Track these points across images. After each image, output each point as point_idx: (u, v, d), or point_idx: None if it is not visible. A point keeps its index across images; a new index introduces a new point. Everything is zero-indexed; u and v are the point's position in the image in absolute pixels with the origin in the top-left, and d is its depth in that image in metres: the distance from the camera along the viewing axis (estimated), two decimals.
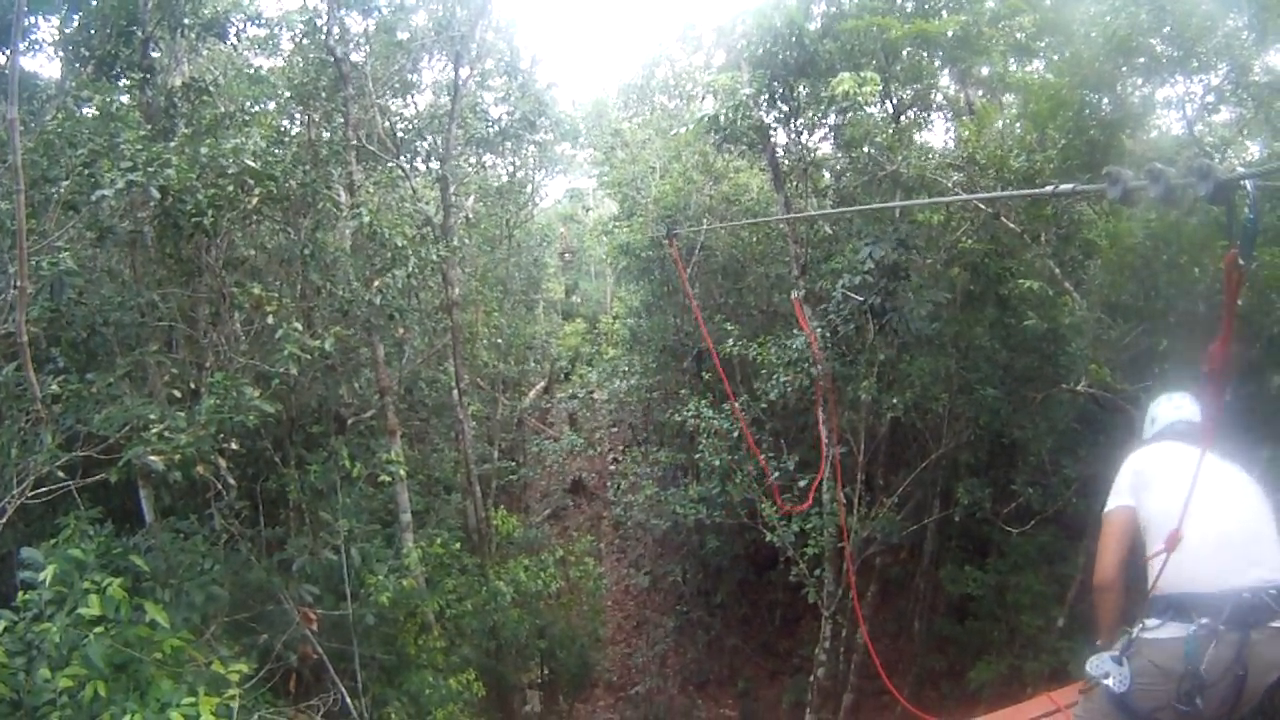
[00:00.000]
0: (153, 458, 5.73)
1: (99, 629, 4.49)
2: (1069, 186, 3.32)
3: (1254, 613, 2.73)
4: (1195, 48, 8.91)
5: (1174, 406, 3.65)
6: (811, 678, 12.96)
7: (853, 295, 11.05)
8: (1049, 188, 3.46)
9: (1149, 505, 3.11)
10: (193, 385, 7.64)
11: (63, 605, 4.54)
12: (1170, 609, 2.85)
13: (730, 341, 12.68)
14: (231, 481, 7.44)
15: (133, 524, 6.86)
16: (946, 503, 12.81)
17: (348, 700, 7.26)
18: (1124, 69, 9.42)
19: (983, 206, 10.30)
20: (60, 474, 5.57)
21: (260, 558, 7.67)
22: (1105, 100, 9.63)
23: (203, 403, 6.51)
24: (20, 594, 4.66)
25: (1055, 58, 11.32)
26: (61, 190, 6.37)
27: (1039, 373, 10.83)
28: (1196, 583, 2.81)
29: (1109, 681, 2.97)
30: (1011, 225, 10.45)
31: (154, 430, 5.85)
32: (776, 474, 12.54)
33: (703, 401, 13.45)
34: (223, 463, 6.89)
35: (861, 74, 9.80)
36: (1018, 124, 11.40)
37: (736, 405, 11.81)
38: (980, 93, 13.65)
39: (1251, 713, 2.95)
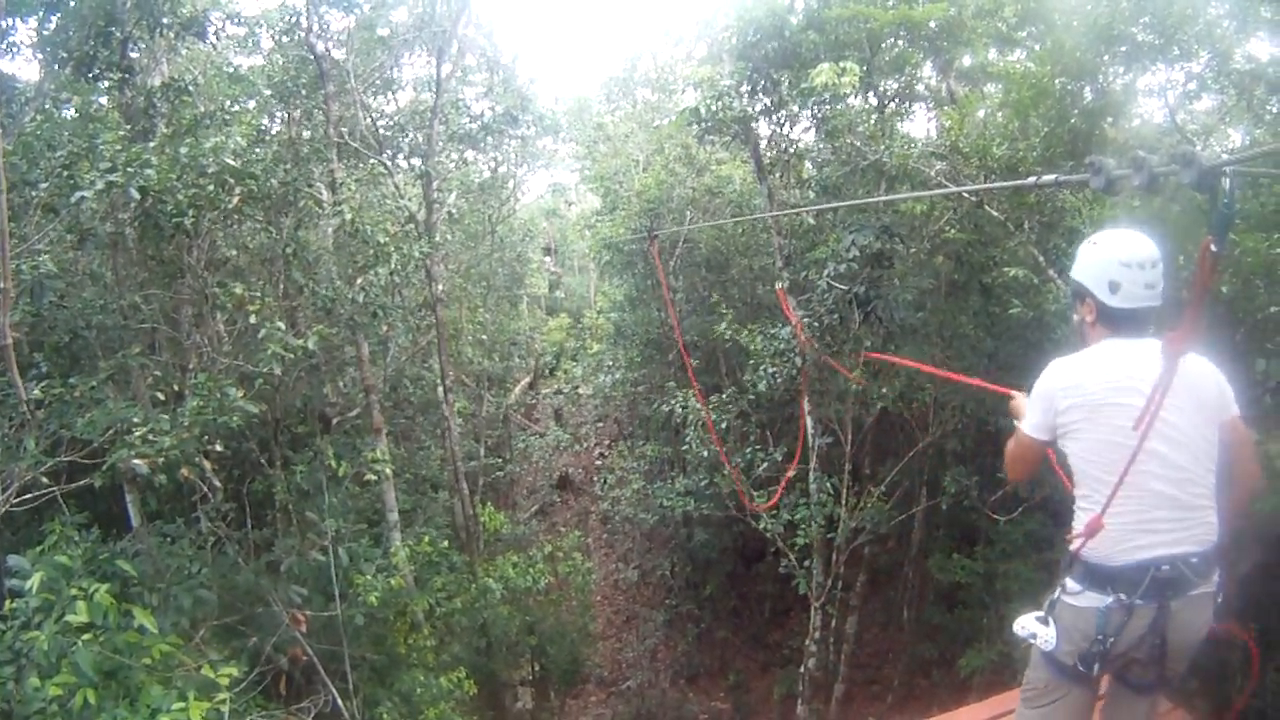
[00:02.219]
0: (137, 461, 5.68)
1: (87, 636, 4.45)
2: (1052, 177, 3.35)
3: (1172, 585, 2.74)
4: (1176, 35, 8.94)
5: (1134, 263, 2.90)
6: (802, 669, 12.98)
7: (836, 285, 11.07)
8: (1032, 178, 3.42)
9: (1074, 453, 2.94)
10: (176, 387, 7.59)
11: (50, 613, 4.49)
12: (1088, 577, 2.86)
13: (722, 326, 12.64)
14: (217, 484, 7.42)
15: (119, 529, 6.81)
16: (934, 491, 12.85)
17: (339, 701, 7.22)
18: (1105, 57, 9.44)
19: (966, 195, 10.32)
20: (45, 480, 5.51)
21: (248, 560, 7.64)
22: (1087, 89, 9.65)
23: (187, 405, 6.46)
24: (7, 602, 4.61)
25: (1037, 47, 11.35)
26: (41, 193, 6.30)
27: (1024, 360, 10.84)
28: (1115, 555, 2.78)
29: (1037, 641, 3.00)
30: (995, 214, 10.46)
31: (138, 433, 5.80)
32: (764, 465, 12.58)
33: (689, 394, 13.46)
34: (208, 465, 6.86)
35: (841, 64, 9.80)
36: (1000, 113, 11.40)
37: (699, 391, 11.85)
38: (962, 83, 13.68)
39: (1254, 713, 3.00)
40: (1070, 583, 2.93)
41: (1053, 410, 2.94)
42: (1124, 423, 2.68)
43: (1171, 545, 2.74)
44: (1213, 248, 2.29)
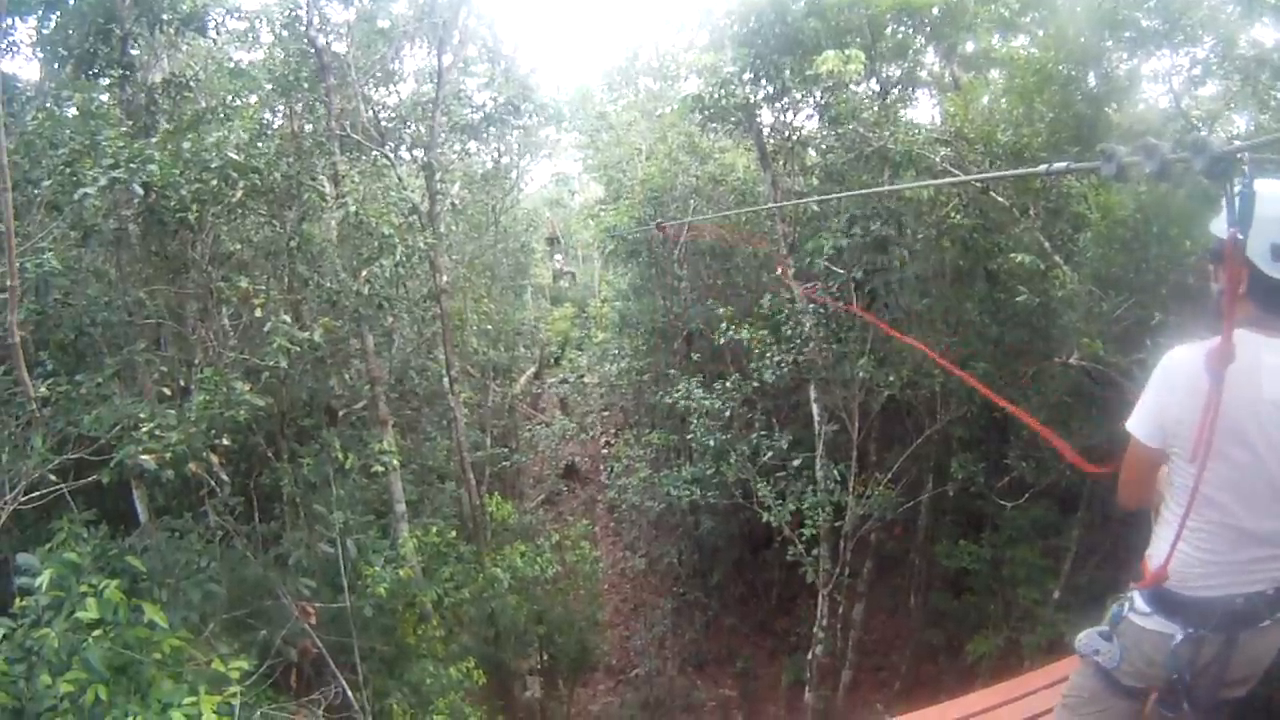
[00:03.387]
0: (145, 457, 5.69)
1: (98, 632, 4.48)
2: (1064, 165, 3.21)
3: (1245, 618, 2.52)
4: (1181, 21, 8.90)
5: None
6: (810, 655, 13.03)
7: (834, 267, 11.07)
8: (1044, 166, 3.28)
9: (1172, 470, 2.52)
10: (182, 382, 7.60)
11: (60, 610, 4.51)
12: (1157, 601, 2.62)
13: (723, 325, 12.63)
14: (224, 478, 7.44)
15: (127, 525, 6.83)
16: (940, 478, 12.83)
17: (349, 693, 7.25)
18: (1110, 43, 9.42)
19: (973, 182, 10.29)
20: (53, 477, 5.53)
21: (256, 553, 7.65)
22: (1091, 74, 9.63)
23: (193, 399, 6.47)
24: (17, 600, 4.63)
25: (1040, 33, 11.31)
26: (44, 191, 6.30)
27: (1030, 347, 10.83)
28: (1190, 585, 2.53)
29: (1099, 659, 2.82)
30: (1000, 200, 10.44)
31: (145, 429, 5.81)
32: (770, 453, 12.59)
33: (694, 382, 13.46)
34: (215, 459, 6.86)
35: (846, 51, 9.78)
36: (1004, 99, 11.36)
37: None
38: (966, 69, 13.62)
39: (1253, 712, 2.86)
40: (1139, 602, 2.70)
41: (1162, 415, 2.46)
42: (1232, 450, 2.28)
43: (1247, 585, 2.48)
44: (1239, 236, 2.11)
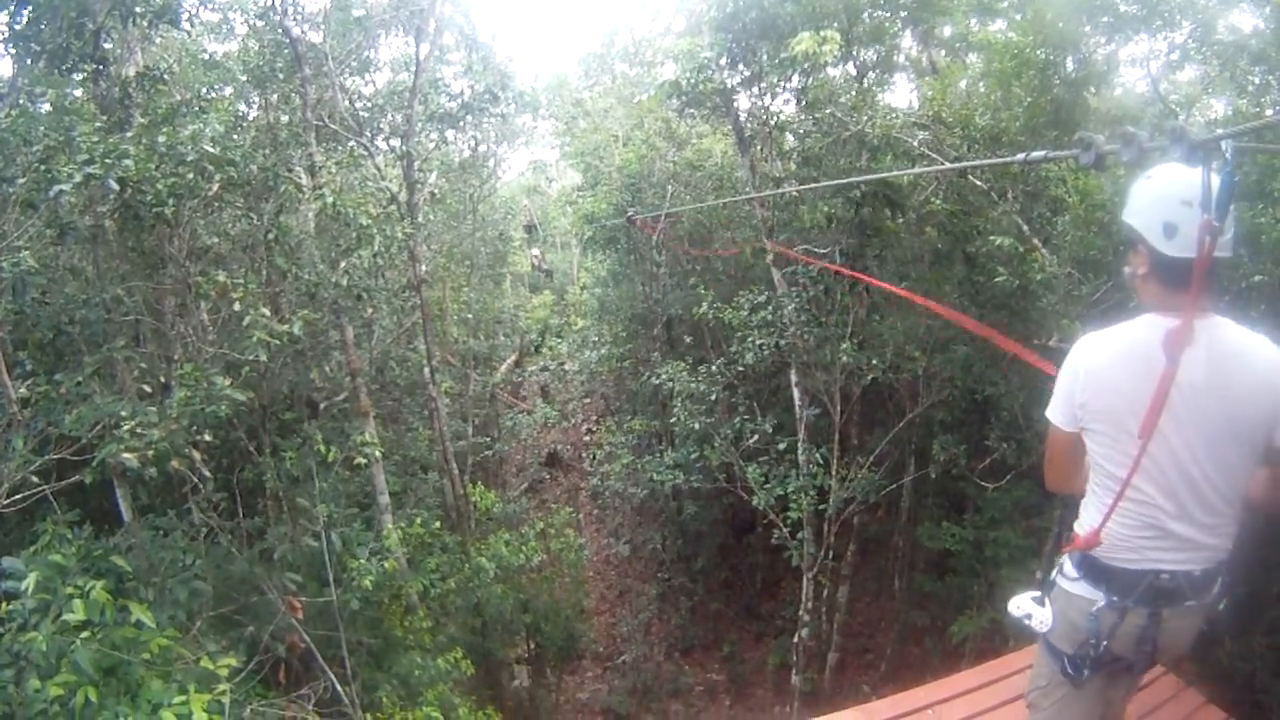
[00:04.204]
0: (127, 455, 5.63)
1: (85, 634, 4.43)
2: (1041, 154, 3.25)
3: (1168, 595, 2.57)
4: (1159, 6, 8.97)
5: (1197, 202, 2.21)
6: (795, 639, 13.12)
7: (814, 250, 11.11)
8: (1020, 155, 3.28)
9: (1091, 446, 2.62)
10: (162, 379, 7.52)
11: (47, 613, 4.47)
12: (1084, 567, 2.69)
13: (704, 306, 12.64)
14: (207, 474, 7.38)
15: (111, 525, 6.75)
16: (922, 460, 12.94)
17: (338, 687, 7.24)
18: (1088, 28, 9.47)
19: (950, 166, 10.33)
20: (35, 479, 5.47)
21: (241, 549, 7.60)
22: (1069, 59, 9.68)
23: (174, 396, 6.40)
24: (3, 605, 4.58)
25: (1018, 17, 11.35)
26: (18, 189, 6.21)
27: (1010, 329, 10.88)
28: (1115, 558, 2.60)
29: (1032, 623, 2.87)
30: (979, 183, 10.49)
31: (126, 427, 5.74)
32: (754, 437, 12.64)
33: (679, 366, 13.49)
34: (197, 455, 6.78)
35: (822, 33, 9.77)
36: (982, 83, 11.42)
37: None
38: (943, 53, 13.66)
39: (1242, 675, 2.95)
40: (1068, 566, 2.78)
41: (1073, 400, 2.58)
42: (1135, 428, 2.38)
43: (1176, 563, 2.54)
44: (1215, 223, 2.15)
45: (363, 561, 8.10)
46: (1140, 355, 2.40)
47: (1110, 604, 2.61)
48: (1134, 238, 2.51)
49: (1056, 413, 2.66)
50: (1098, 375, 2.52)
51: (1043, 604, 2.86)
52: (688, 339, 16.08)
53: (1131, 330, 2.49)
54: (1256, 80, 9.40)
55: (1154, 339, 2.37)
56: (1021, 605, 2.92)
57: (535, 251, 31.09)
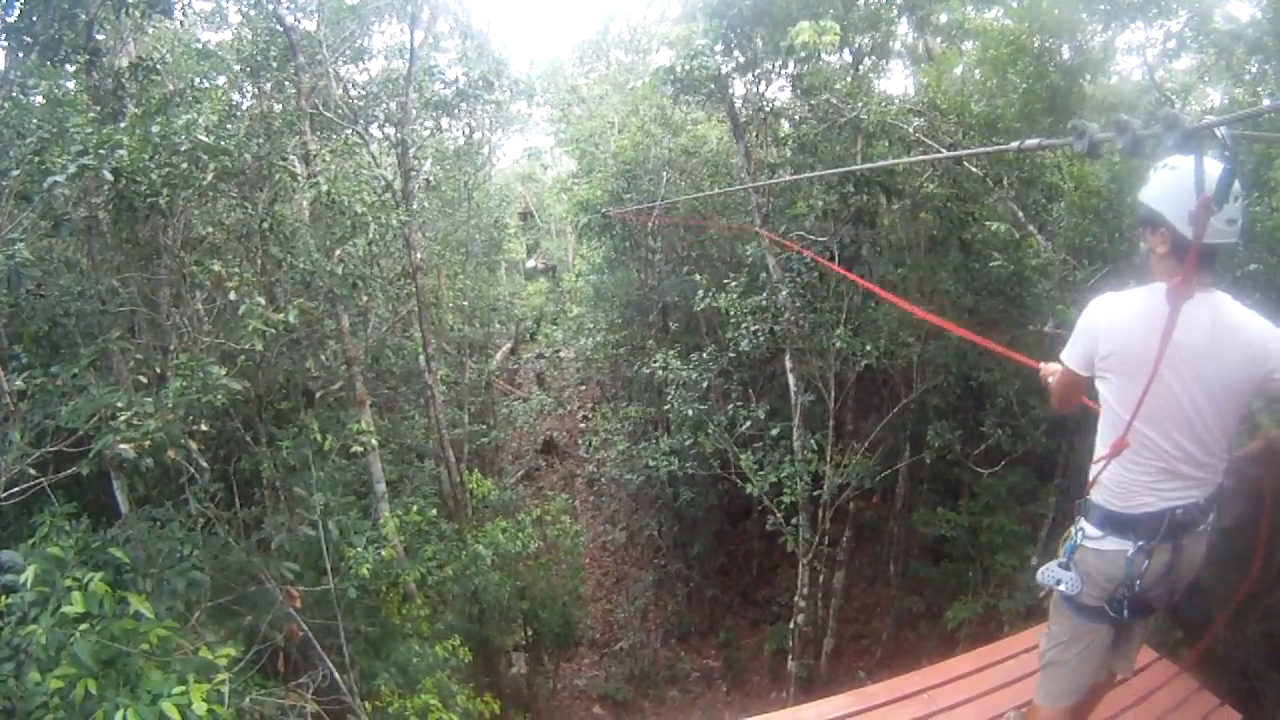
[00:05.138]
0: (124, 446, 5.63)
1: (84, 626, 4.43)
2: (1035, 141, 3.38)
3: (1184, 526, 2.91)
4: None
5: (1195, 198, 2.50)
6: (791, 625, 13.18)
7: (809, 237, 11.11)
8: (1015, 143, 3.40)
9: (1104, 390, 2.97)
10: (158, 369, 7.51)
11: (46, 605, 4.47)
12: (1109, 524, 2.99)
13: (699, 294, 12.62)
14: (204, 464, 7.37)
15: (108, 517, 6.75)
16: (917, 446, 12.95)
17: (336, 676, 7.25)
18: (1084, 15, 9.46)
19: (943, 150, 10.32)
20: (32, 471, 5.47)
21: (238, 539, 7.60)
22: (1065, 46, 9.67)
23: (170, 386, 6.40)
24: (2, 598, 4.58)
25: (1014, 4, 11.31)
26: (12, 181, 6.19)
27: (1005, 315, 10.92)
28: (1136, 504, 2.92)
29: (1062, 587, 3.15)
30: (974, 169, 10.48)
31: (123, 418, 5.74)
32: (747, 423, 12.66)
33: (671, 353, 13.49)
34: (194, 446, 6.80)
35: (821, 23, 9.74)
36: (978, 70, 11.40)
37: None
38: (939, 40, 13.62)
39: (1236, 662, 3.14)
40: (1090, 528, 3.06)
41: (1093, 349, 2.91)
42: (1144, 375, 2.73)
43: (1184, 498, 2.88)
44: (1212, 206, 2.42)
45: (360, 550, 8.09)
46: (1154, 313, 2.71)
47: (1139, 548, 2.93)
48: (1156, 220, 2.81)
49: (1073, 358, 3.04)
50: (1116, 329, 2.85)
51: (1069, 568, 3.14)
52: (684, 325, 16.05)
53: (1145, 293, 2.82)
54: (1253, 69, 9.41)
55: (1163, 300, 2.71)
56: (1049, 572, 3.21)
57: (533, 261, 30.93)
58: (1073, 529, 3.18)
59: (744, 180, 13.21)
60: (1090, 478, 3.06)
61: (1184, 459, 2.82)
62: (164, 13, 8.33)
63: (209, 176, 7.29)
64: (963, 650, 6.24)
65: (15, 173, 6.18)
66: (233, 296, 7.12)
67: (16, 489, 5.40)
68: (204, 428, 6.72)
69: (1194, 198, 2.52)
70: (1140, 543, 2.91)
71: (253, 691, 5.77)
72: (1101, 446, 2.99)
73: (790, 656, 13.34)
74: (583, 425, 24.00)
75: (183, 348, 7.56)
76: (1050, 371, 3.45)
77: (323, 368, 10.57)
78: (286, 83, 10.87)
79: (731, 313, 12.18)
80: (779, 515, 12.24)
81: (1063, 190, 9.45)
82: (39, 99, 7.30)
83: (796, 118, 12.79)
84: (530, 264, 30.76)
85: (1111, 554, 2.99)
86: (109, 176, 6.26)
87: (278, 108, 11.09)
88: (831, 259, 11.40)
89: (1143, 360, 2.70)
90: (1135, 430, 2.81)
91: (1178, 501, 2.87)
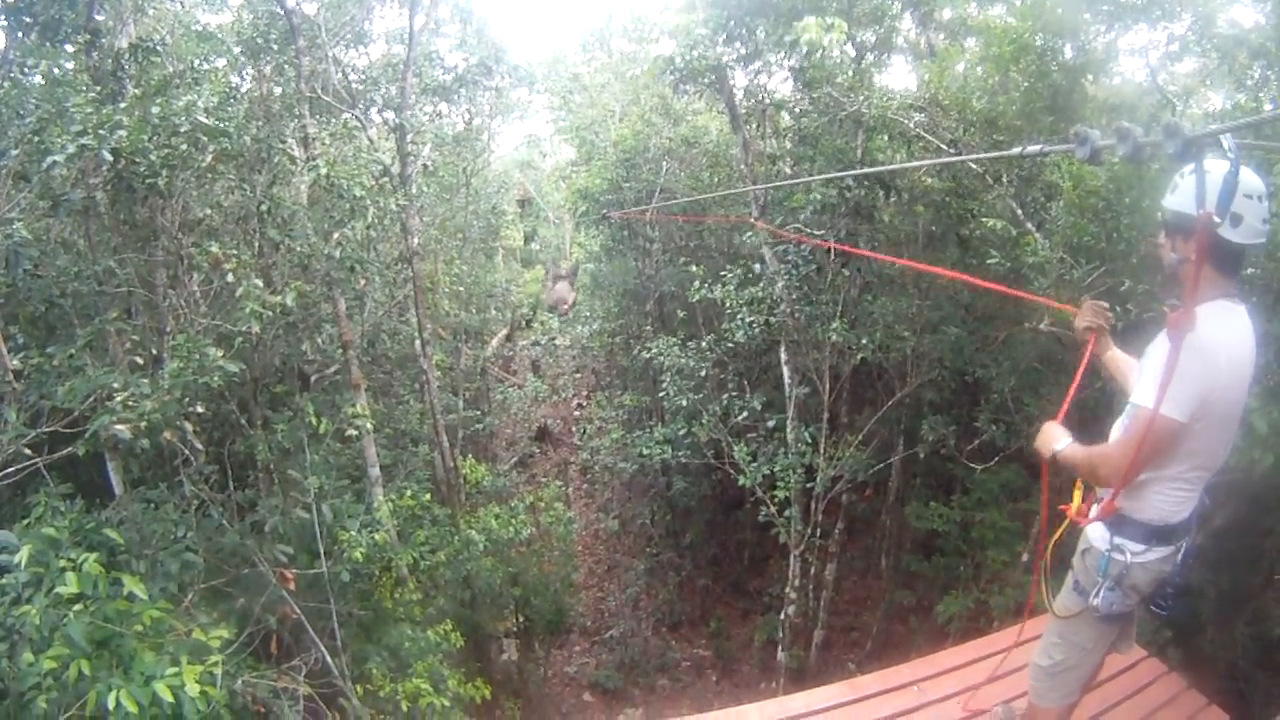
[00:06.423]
0: (119, 427, 5.64)
1: (78, 607, 4.45)
2: (1037, 148, 3.36)
3: (1191, 527, 3.13)
4: None
5: (1255, 194, 2.64)
6: (782, 615, 13.23)
7: (806, 230, 11.10)
8: (1016, 149, 3.37)
9: (1202, 438, 2.80)
10: (155, 351, 7.50)
11: (40, 586, 4.49)
12: (1154, 536, 3.03)
13: (695, 284, 12.61)
14: (199, 446, 7.37)
15: (103, 498, 6.76)
16: (911, 440, 12.99)
17: (328, 659, 7.28)
18: (1087, 15, 9.46)
19: (943, 146, 10.32)
20: (28, 451, 5.48)
21: (232, 521, 7.60)
22: (1068, 46, 9.67)
23: (166, 367, 6.41)
24: None
25: (1018, 2, 11.30)
26: (11, 160, 6.17)
27: (1001, 312, 10.96)
28: (1182, 511, 3.00)
29: (1097, 602, 3.17)
30: (973, 166, 10.48)
31: (119, 399, 5.75)
32: (743, 414, 12.69)
33: (670, 341, 13.50)
34: (189, 427, 6.80)
35: (827, 20, 9.71)
36: (980, 67, 11.37)
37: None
38: (941, 36, 13.60)
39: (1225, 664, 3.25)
40: (1133, 545, 3.07)
41: (1210, 388, 2.68)
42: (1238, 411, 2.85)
43: (1195, 503, 3.07)
44: (1215, 219, 2.43)
45: (353, 534, 8.10)
46: (1249, 332, 2.78)
47: (1178, 549, 3.09)
48: (1187, 226, 2.72)
49: (1183, 408, 2.68)
50: (1236, 360, 2.76)
51: (1114, 589, 3.14)
52: (680, 315, 16.05)
53: (1233, 320, 2.76)
54: (1256, 74, 9.41)
55: (1247, 317, 2.77)
56: (1073, 601, 3.37)
57: (560, 294, 29.73)
58: (1100, 549, 3.13)
59: (743, 171, 13.20)
60: (1121, 500, 3.01)
61: (1212, 476, 2.99)
62: None
63: (208, 158, 7.28)
64: (952, 644, 6.29)
65: (14, 152, 6.17)
66: (230, 279, 7.11)
67: (12, 469, 5.40)
68: (199, 409, 6.70)
69: (1237, 200, 2.55)
70: (1183, 543, 3.08)
71: (245, 673, 5.80)
72: (1168, 492, 2.98)
73: (780, 647, 13.39)
74: (577, 413, 24.02)
75: (179, 329, 7.56)
76: (1049, 436, 3.23)
77: (319, 351, 10.55)
78: (286, 66, 10.82)
79: (727, 304, 12.18)
80: (771, 506, 12.27)
81: (1061, 189, 9.45)
82: (38, 79, 7.27)
83: (797, 110, 12.76)
84: (558, 293, 29.86)
85: (1156, 562, 3.08)
86: (108, 157, 6.25)
87: (277, 90, 11.05)
88: (828, 253, 11.42)
89: (1246, 386, 2.80)
90: (1212, 454, 2.92)
91: (1194, 507, 3.07)
